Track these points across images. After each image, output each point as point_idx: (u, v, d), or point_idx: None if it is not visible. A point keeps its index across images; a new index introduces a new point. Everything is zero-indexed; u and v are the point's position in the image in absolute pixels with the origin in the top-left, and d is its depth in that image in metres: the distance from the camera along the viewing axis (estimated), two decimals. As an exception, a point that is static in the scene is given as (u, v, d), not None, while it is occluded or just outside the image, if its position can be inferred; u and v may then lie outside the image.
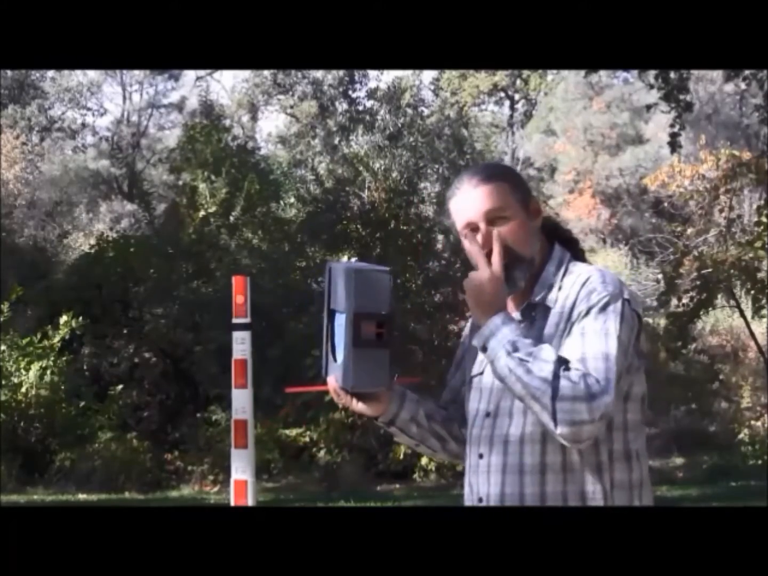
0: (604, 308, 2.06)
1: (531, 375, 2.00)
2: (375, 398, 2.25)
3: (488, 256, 2.14)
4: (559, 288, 2.15)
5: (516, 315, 2.18)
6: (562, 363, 2.01)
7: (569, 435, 1.98)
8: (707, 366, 14.59)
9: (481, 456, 2.18)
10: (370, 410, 2.27)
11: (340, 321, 2.22)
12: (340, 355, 2.23)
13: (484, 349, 2.09)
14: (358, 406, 2.25)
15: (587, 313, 2.07)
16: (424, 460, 12.51)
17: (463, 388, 2.31)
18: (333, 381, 2.24)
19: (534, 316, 2.16)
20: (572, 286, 2.13)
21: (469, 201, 2.19)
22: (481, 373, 2.23)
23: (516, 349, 2.03)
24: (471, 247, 2.17)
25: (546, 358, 2.01)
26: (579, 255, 2.27)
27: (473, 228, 2.19)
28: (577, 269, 2.17)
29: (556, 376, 1.98)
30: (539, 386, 1.98)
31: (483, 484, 2.17)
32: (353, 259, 14.14)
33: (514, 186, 2.21)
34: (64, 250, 20.15)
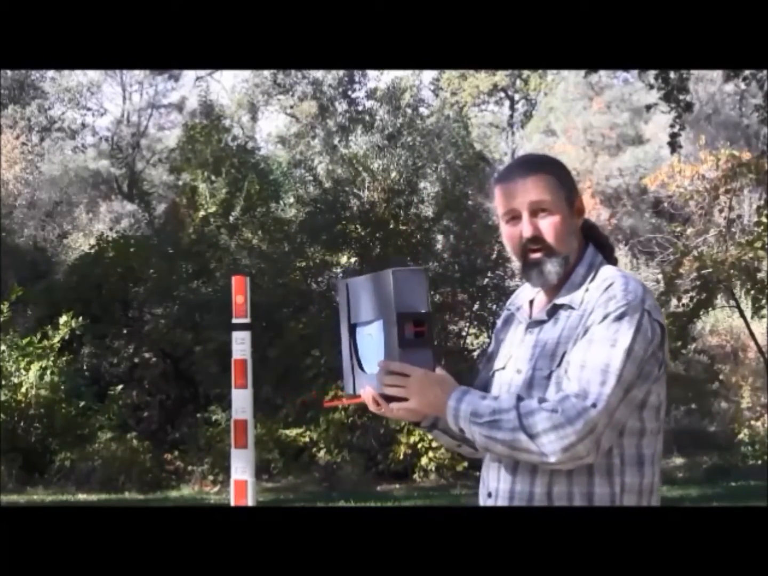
0: (619, 318, 2.06)
1: (504, 431, 2.03)
2: None
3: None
4: (586, 290, 2.15)
5: (542, 314, 2.20)
6: (526, 402, 2.04)
7: (566, 459, 2.00)
8: (707, 366, 14.55)
9: None
10: (411, 416, 2.24)
11: (369, 331, 2.20)
12: (369, 365, 2.20)
13: (462, 431, 2.11)
14: (399, 412, 2.20)
15: (602, 320, 2.07)
16: (424, 460, 12.49)
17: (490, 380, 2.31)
18: (370, 390, 2.20)
19: (558, 317, 2.17)
20: (596, 289, 2.13)
21: (516, 188, 2.18)
22: (503, 368, 2.23)
23: (479, 416, 2.06)
24: (508, 236, 2.21)
25: (508, 407, 2.04)
26: (612, 260, 2.26)
27: (515, 215, 2.20)
28: (604, 273, 2.16)
29: (525, 415, 2.01)
30: (515, 437, 2.02)
31: (494, 479, 2.18)
32: (353, 261, 14.20)
33: (562, 181, 2.20)
34: (64, 250, 20.12)
